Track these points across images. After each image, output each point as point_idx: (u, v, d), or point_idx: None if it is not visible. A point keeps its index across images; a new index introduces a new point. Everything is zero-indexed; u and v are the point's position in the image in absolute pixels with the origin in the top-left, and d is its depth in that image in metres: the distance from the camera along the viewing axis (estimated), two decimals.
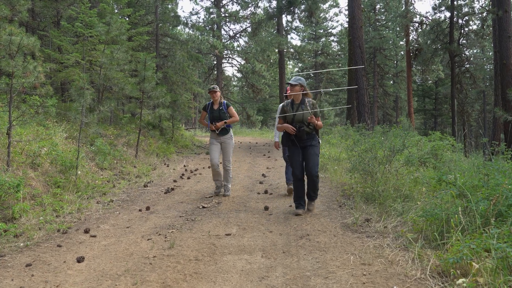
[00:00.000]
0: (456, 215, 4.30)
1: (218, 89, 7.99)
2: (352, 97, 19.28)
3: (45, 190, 7.08)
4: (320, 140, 6.45)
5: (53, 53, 12.70)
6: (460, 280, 3.44)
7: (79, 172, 8.17)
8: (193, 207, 7.16)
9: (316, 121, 6.20)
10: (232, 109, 8.06)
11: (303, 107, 6.22)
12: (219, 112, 7.95)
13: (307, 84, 7.14)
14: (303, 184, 6.44)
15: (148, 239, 5.22)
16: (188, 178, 10.41)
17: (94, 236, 5.38)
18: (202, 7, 40.75)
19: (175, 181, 9.91)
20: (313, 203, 6.66)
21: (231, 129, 8.18)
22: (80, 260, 4.42)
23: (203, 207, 7.14)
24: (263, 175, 10.49)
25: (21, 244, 5.01)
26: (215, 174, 8.19)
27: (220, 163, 8.44)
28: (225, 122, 7.92)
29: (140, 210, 6.92)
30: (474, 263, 3.48)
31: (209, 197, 8.01)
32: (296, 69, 49.39)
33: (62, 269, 4.22)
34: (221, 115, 7.93)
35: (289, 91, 6.43)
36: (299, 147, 6.31)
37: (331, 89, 7.23)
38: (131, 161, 11.67)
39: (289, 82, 6.26)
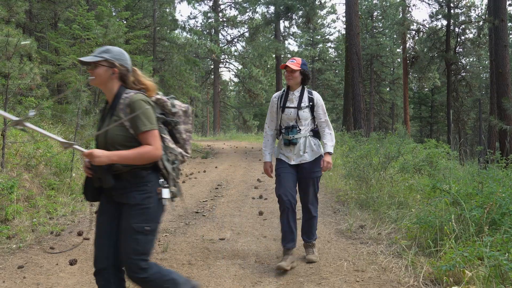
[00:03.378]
0: (450, 223, 4.31)
1: None
2: (348, 104, 19.32)
3: (39, 192, 7.06)
4: (172, 190, 2.87)
5: (50, 55, 12.69)
6: None
7: (73, 174, 8.15)
8: (188, 211, 7.14)
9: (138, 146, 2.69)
10: None
11: (114, 113, 2.74)
12: None
13: None
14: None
15: None
16: (183, 182, 10.39)
17: (87, 239, 5.35)
18: (200, 11, 40.88)
19: None
20: None
21: None
22: (72, 262, 4.41)
23: (197, 212, 7.13)
24: (258, 180, 10.48)
25: (14, 246, 4.99)
26: None
27: None
28: None
29: None
30: (467, 271, 3.49)
31: (203, 201, 7.99)
32: None
33: (54, 271, 4.21)
34: None
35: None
36: (112, 205, 2.85)
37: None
38: None
39: (81, 59, 2.80)
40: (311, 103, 4.45)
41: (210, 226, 6.11)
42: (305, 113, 4.42)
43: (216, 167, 13.27)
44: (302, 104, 4.41)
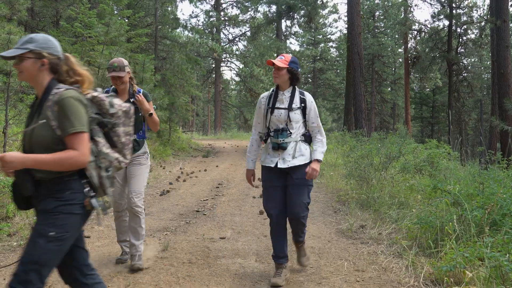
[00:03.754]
0: (451, 223, 4.31)
1: (126, 69, 4.26)
2: (350, 103, 19.32)
3: None
4: (99, 201, 2.56)
5: None
6: None
7: None
8: (188, 210, 7.15)
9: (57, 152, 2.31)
10: (151, 105, 4.43)
11: (41, 111, 2.40)
12: None
13: None
14: None
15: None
16: (184, 181, 10.40)
17: (88, 237, 5.37)
18: (201, 10, 40.83)
19: (170, 183, 9.89)
20: None
21: (145, 141, 4.55)
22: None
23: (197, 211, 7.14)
24: (259, 179, 10.48)
25: (15, 244, 4.99)
26: (120, 227, 4.53)
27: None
28: (150, 114, 4.32)
29: None
30: (467, 272, 3.49)
31: (204, 200, 7.99)
32: None
33: (54, 269, 4.20)
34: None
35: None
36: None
37: None
38: None
39: (2, 54, 2.40)
40: (303, 105, 3.99)
41: (210, 225, 6.12)
42: (297, 115, 3.95)
43: (217, 166, 13.28)
44: (293, 105, 3.94)
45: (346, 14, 21.35)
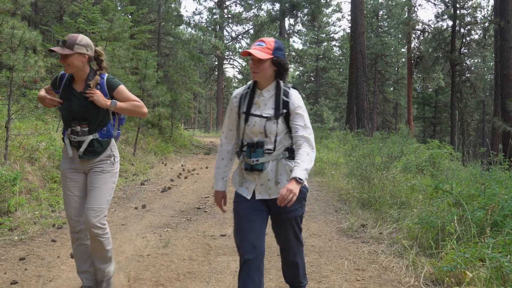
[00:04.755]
0: (452, 224, 4.30)
1: (78, 48, 3.19)
2: (352, 103, 19.31)
3: (41, 185, 7.07)
4: None
5: None
6: None
7: None
8: (189, 206, 7.15)
9: None
10: (125, 91, 3.44)
11: None
12: (85, 101, 3.30)
13: None
14: None
15: (142, 237, 5.22)
16: (185, 177, 10.40)
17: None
18: (205, 7, 40.89)
19: (172, 180, 9.89)
20: None
21: (112, 141, 3.50)
22: (73, 255, 4.42)
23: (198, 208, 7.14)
24: None
25: (16, 238, 5.00)
26: (79, 253, 3.51)
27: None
28: (114, 105, 3.33)
29: (136, 208, 6.91)
30: (468, 272, 3.49)
31: (205, 197, 8.00)
32: (297, 72, 49.43)
33: (55, 264, 4.22)
34: (88, 108, 3.29)
35: None
36: None
37: None
38: (129, 159, 11.66)
39: None
40: (284, 110, 2.78)
41: (211, 222, 6.12)
42: (275, 125, 2.78)
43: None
44: (273, 112, 2.80)
45: (349, 13, 21.33)
